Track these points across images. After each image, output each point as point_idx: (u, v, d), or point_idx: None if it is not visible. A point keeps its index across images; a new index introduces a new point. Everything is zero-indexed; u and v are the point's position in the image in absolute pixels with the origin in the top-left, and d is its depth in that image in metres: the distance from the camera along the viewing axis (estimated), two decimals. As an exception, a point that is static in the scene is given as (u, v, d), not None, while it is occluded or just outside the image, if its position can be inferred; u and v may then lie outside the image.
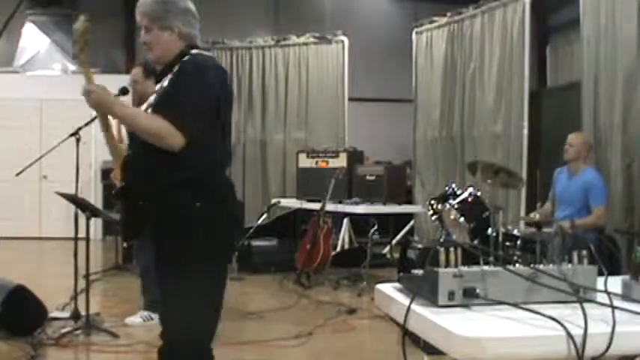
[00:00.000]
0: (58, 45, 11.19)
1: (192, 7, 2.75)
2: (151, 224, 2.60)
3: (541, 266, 1.74)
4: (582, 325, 1.46)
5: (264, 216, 8.02)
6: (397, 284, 1.88)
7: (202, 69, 2.59)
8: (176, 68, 2.64)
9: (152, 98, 2.71)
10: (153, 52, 2.75)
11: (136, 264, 5.33)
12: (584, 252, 1.77)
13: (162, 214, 2.55)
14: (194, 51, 2.68)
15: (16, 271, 6.09)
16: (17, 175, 5.24)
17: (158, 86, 2.72)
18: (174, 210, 2.53)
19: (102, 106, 2.73)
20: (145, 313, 5.15)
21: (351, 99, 9.51)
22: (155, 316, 5.15)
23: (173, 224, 2.54)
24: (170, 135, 2.45)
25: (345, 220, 8.57)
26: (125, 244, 6.42)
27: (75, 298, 4.93)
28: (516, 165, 6.74)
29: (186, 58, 2.65)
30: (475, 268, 1.69)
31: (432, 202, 5.45)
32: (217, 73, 2.64)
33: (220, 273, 2.67)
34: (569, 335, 1.44)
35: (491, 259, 1.76)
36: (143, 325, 5.08)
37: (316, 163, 7.95)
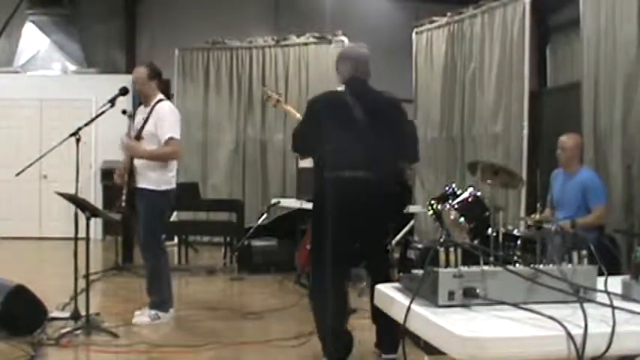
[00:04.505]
0: (58, 45, 11.19)
1: (357, 55, 4.29)
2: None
3: (541, 266, 1.74)
4: (582, 325, 1.46)
5: (264, 216, 8.01)
6: (397, 284, 1.88)
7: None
8: None
9: None
10: None
11: (144, 263, 5.32)
12: (584, 252, 1.77)
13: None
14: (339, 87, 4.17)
15: (16, 271, 6.09)
16: (17, 175, 5.26)
17: None
18: None
19: None
20: (153, 312, 5.14)
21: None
22: (163, 315, 5.15)
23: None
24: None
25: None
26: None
27: (75, 298, 4.93)
28: (516, 165, 6.74)
29: None
30: (475, 268, 1.69)
31: (432, 202, 5.44)
32: (315, 102, 4.20)
33: None
34: (569, 335, 1.44)
35: (491, 259, 1.76)
36: (151, 324, 5.08)
37: (316, 163, 7.93)
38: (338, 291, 3.96)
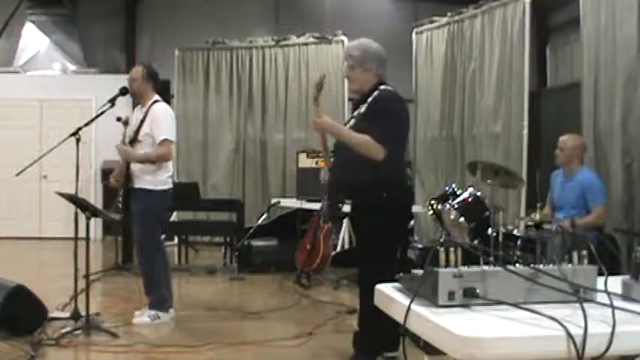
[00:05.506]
0: (58, 45, 11.18)
1: (384, 54, 3.87)
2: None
3: (541, 266, 1.74)
4: (582, 325, 1.46)
5: (264, 216, 8.01)
6: (397, 284, 1.88)
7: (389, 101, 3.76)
8: (370, 99, 3.74)
9: (352, 121, 3.83)
10: (353, 86, 3.90)
11: (138, 264, 5.33)
12: (584, 252, 1.77)
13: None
14: (382, 87, 3.79)
15: (16, 271, 6.09)
16: (17, 175, 5.26)
17: (356, 112, 3.82)
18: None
19: (328, 131, 3.89)
20: (152, 312, 5.14)
21: (350, 99, 9.50)
22: (163, 315, 5.15)
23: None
24: (376, 148, 3.60)
25: (345, 220, 8.55)
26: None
27: (75, 298, 4.93)
28: (516, 165, 6.74)
29: (376, 92, 3.76)
30: (475, 268, 1.69)
31: (432, 202, 5.44)
32: (400, 104, 3.81)
33: None
34: (569, 335, 1.43)
35: (491, 259, 1.76)
36: (151, 324, 5.08)
37: (316, 163, 7.92)
38: None
